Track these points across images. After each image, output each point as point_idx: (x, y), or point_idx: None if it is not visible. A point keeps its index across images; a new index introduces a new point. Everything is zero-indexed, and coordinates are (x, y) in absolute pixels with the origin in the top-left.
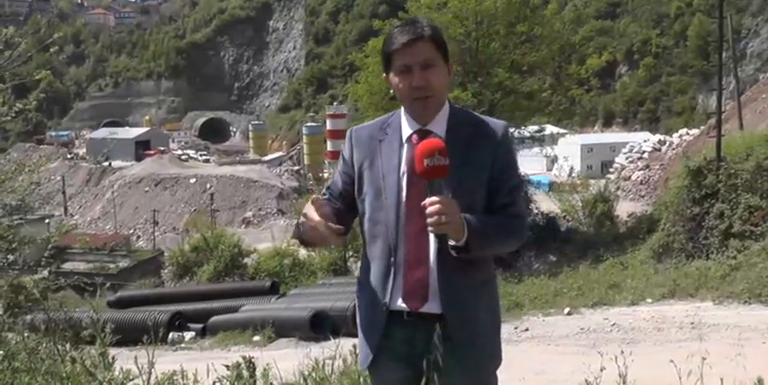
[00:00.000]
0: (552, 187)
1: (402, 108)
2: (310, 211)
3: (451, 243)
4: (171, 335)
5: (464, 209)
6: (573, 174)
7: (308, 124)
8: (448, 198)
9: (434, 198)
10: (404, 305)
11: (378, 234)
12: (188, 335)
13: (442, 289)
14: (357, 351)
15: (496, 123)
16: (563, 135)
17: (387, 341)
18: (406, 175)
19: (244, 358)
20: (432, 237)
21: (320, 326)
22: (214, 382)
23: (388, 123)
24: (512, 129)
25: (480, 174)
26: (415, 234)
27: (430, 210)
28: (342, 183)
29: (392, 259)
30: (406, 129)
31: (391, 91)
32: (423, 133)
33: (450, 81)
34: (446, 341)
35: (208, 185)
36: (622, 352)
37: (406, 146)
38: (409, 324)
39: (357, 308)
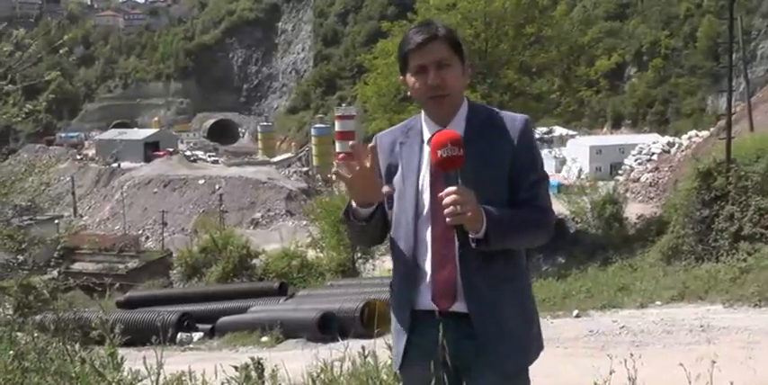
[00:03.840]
0: (561, 189)
1: (423, 112)
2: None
3: (471, 235)
4: (179, 335)
5: (485, 203)
6: (582, 176)
7: (317, 125)
8: (464, 187)
9: (450, 188)
10: (433, 305)
11: (400, 236)
12: (196, 335)
13: (465, 288)
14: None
15: (515, 117)
16: (572, 136)
17: (418, 341)
18: (427, 178)
19: (252, 359)
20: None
21: (328, 328)
22: (222, 383)
23: (410, 127)
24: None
25: (499, 169)
26: (440, 234)
27: (446, 200)
28: None
29: (413, 260)
30: (426, 133)
31: (408, 93)
32: None
33: (466, 81)
34: (473, 340)
35: (216, 186)
36: (631, 354)
37: (426, 148)
38: (441, 324)
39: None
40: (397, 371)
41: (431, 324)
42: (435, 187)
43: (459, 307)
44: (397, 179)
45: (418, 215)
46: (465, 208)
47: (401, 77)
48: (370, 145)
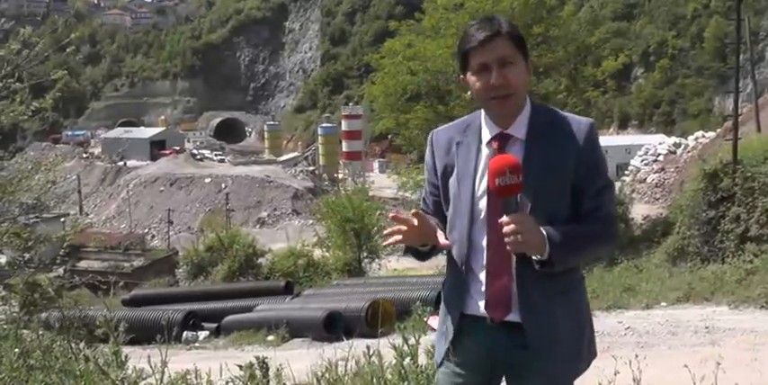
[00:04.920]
0: None
1: (482, 109)
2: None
3: (535, 258)
4: (185, 334)
5: (547, 217)
6: None
7: (324, 125)
8: (523, 215)
9: (510, 217)
10: (484, 312)
11: (454, 239)
12: (202, 334)
13: (521, 300)
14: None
15: (580, 121)
16: None
17: (464, 345)
18: (485, 182)
19: (257, 358)
20: None
21: (334, 327)
22: (227, 382)
23: (467, 124)
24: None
25: (563, 177)
26: (496, 241)
27: (505, 230)
28: (431, 196)
29: (466, 265)
30: (486, 133)
31: (468, 93)
32: (503, 139)
33: (530, 79)
34: (524, 349)
35: (223, 185)
36: (636, 356)
37: (485, 150)
38: (491, 330)
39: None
40: (438, 369)
41: (479, 329)
42: (493, 208)
43: (513, 317)
44: (452, 181)
45: (473, 220)
46: (526, 236)
47: (461, 77)
48: (413, 211)
